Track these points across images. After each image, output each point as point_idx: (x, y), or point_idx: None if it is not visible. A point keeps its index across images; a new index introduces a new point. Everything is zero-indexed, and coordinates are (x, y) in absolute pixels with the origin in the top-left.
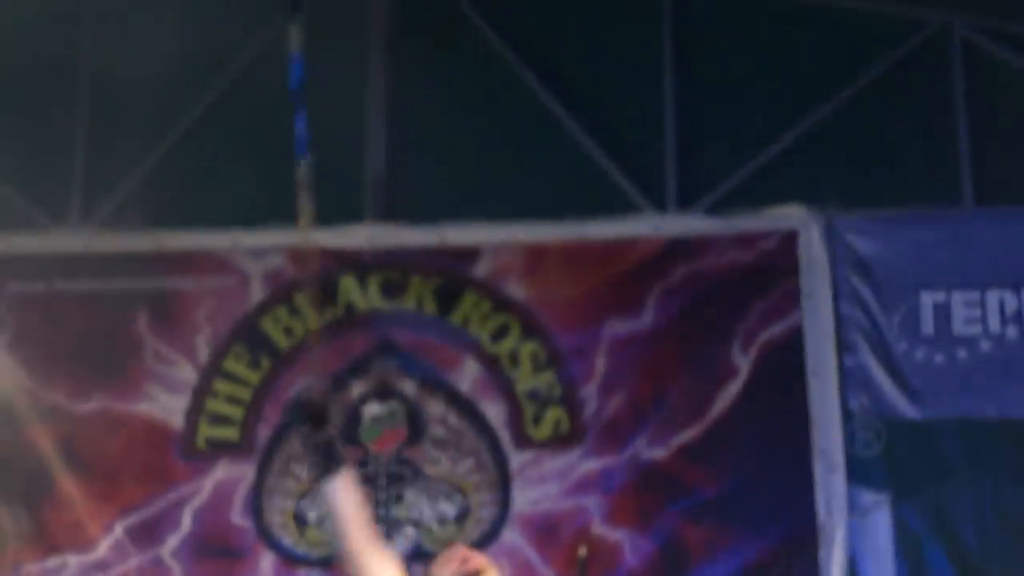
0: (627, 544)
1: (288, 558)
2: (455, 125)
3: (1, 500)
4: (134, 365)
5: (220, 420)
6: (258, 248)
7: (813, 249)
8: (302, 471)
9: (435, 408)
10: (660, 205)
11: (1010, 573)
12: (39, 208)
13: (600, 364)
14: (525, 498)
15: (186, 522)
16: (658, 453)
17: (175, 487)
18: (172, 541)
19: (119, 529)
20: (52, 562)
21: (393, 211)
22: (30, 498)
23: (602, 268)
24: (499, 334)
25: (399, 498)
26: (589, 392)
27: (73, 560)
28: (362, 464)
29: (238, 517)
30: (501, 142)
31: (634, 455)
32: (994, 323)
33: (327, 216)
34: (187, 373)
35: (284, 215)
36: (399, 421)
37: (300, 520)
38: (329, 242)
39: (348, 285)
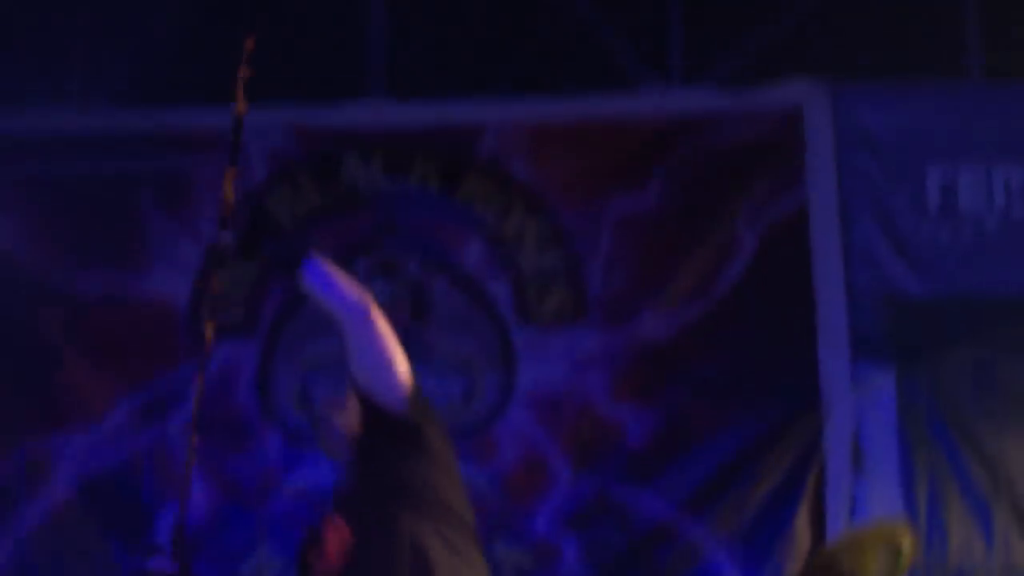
0: (629, 422)
1: (295, 436)
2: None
3: (9, 378)
4: (138, 246)
5: (224, 300)
6: (260, 126)
7: (818, 124)
8: (308, 349)
9: (439, 288)
10: (665, 79)
11: (1009, 444)
12: (41, 88)
13: (605, 242)
14: (530, 377)
15: (191, 400)
16: (662, 331)
17: (181, 366)
18: (177, 419)
19: (125, 407)
20: (58, 439)
21: (395, 88)
22: (37, 376)
23: (607, 145)
24: (504, 212)
25: None
26: (594, 270)
27: (79, 437)
28: None
29: (244, 396)
30: (503, 16)
31: (638, 333)
32: (1000, 199)
33: (329, 94)
34: (190, 252)
35: (285, 92)
36: (403, 300)
37: (306, 398)
38: (330, 120)
39: (350, 164)
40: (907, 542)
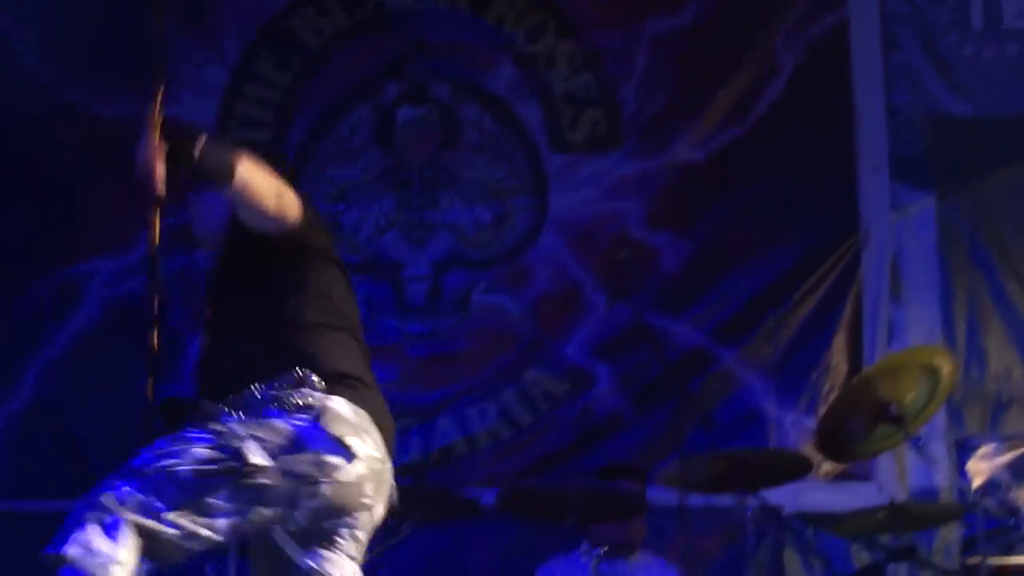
0: (665, 248)
1: None
2: None
3: (38, 204)
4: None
5: (251, 123)
6: None
7: None
8: (338, 173)
9: (470, 111)
10: None
11: None
12: None
13: (640, 63)
14: (563, 202)
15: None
16: (698, 155)
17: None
18: None
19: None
20: (88, 264)
21: None
22: (67, 202)
23: None
24: (535, 33)
25: (434, 203)
26: (628, 93)
27: (109, 262)
28: (396, 169)
29: None
30: None
31: (674, 157)
32: None
33: None
34: (217, 76)
35: None
36: (433, 125)
37: (336, 223)
38: None
39: None
40: (946, 367)
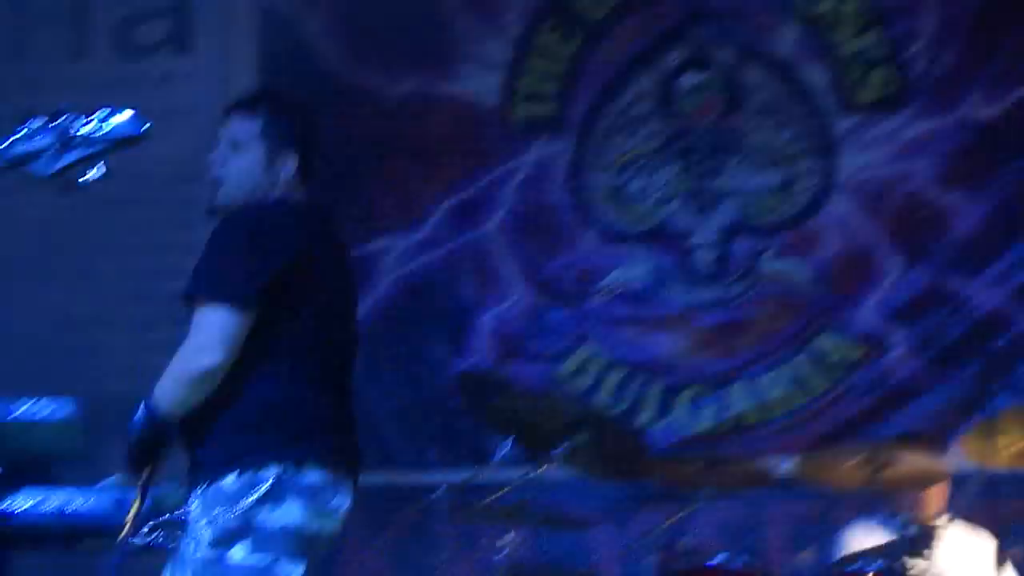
0: (959, 208)
1: (609, 233)
2: None
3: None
4: (445, 46)
5: (535, 97)
6: None
7: None
8: (621, 143)
9: (754, 76)
10: None
11: None
12: None
13: (928, 19)
14: (852, 164)
15: (506, 201)
16: (992, 110)
17: (493, 166)
18: (493, 220)
19: (442, 209)
20: (379, 243)
21: None
22: (356, 180)
23: None
24: None
25: (719, 169)
26: (917, 50)
27: (399, 241)
28: (679, 136)
29: (557, 194)
30: None
31: (966, 114)
32: None
33: None
34: (500, 51)
35: None
36: (716, 90)
37: (621, 194)
38: None
39: None
40: None
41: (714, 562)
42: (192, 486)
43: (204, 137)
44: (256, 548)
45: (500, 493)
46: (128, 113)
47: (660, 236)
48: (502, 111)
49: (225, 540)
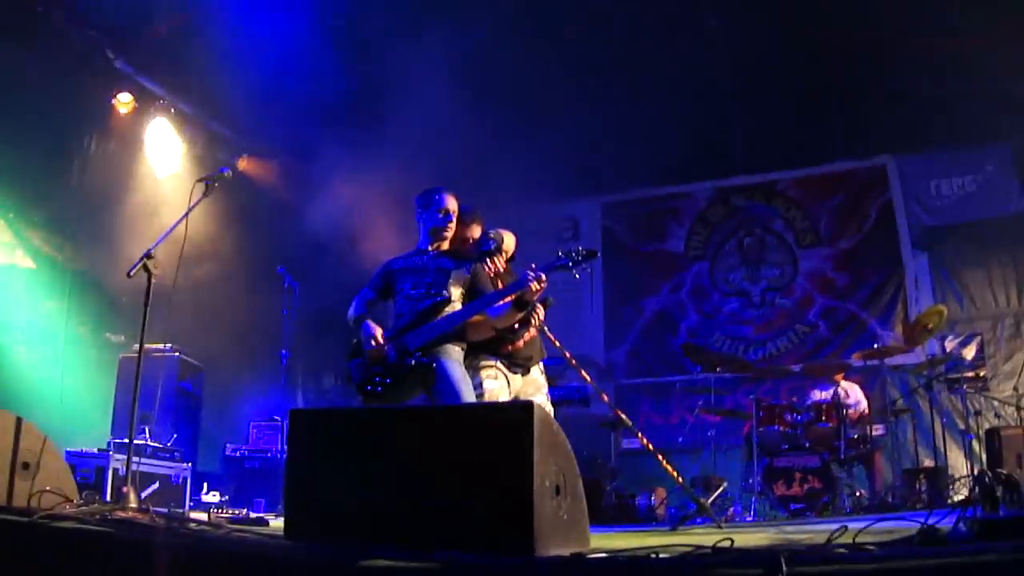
0: None
1: (722, 292)
2: None
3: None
4: (664, 230)
5: (695, 246)
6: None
7: None
8: (725, 261)
9: (767, 238)
10: None
11: None
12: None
13: None
14: (804, 267)
15: (687, 284)
16: None
17: (684, 272)
18: (683, 291)
19: (665, 288)
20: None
21: None
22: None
23: None
24: None
25: (758, 270)
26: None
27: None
28: (746, 261)
29: (706, 281)
30: None
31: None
32: None
33: None
34: (682, 229)
35: None
36: (755, 242)
37: (727, 280)
38: None
39: None
40: None
41: None
42: None
43: None
44: None
45: None
46: None
47: (739, 294)
48: (685, 252)
49: None
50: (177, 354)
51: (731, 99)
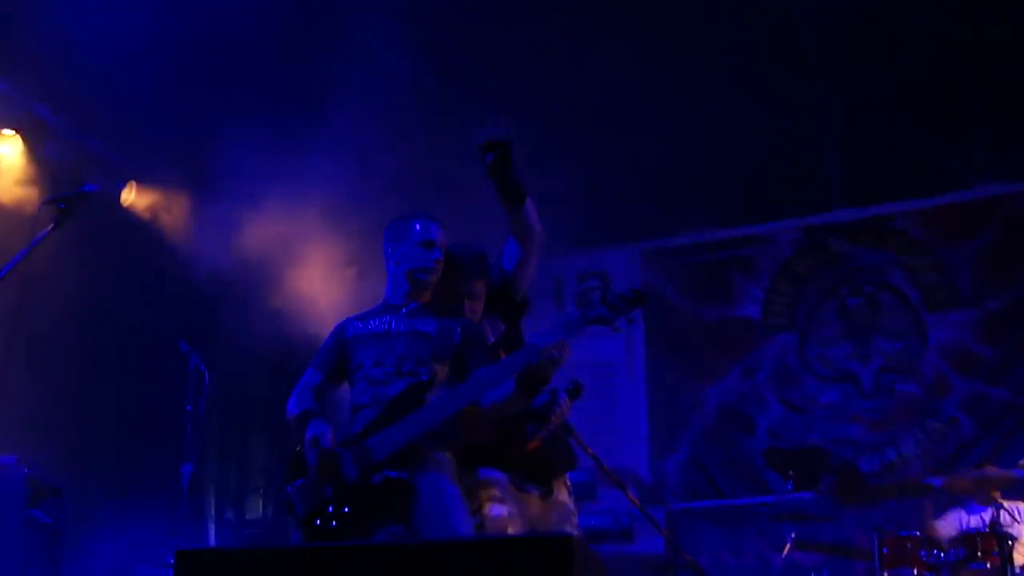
0: None
1: (818, 376)
2: None
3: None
4: (731, 292)
5: (776, 312)
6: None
7: None
8: (820, 334)
9: (882, 297)
10: None
11: None
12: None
13: None
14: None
15: (769, 364)
16: None
17: (756, 350)
18: (762, 374)
19: (736, 370)
20: (706, 388)
21: None
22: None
23: None
24: None
25: (867, 344)
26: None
27: (715, 386)
28: (850, 330)
29: (793, 360)
30: None
31: None
32: None
33: None
34: (756, 294)
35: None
36: (864, 304)
37: (823, 359)
38: None
39: None
40: None
41: None
42: None
43: None
44: None
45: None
46: None
47: (843, 377)
48: (762, 321)
49: None
50: (26, 470)
51: (824, 102)
